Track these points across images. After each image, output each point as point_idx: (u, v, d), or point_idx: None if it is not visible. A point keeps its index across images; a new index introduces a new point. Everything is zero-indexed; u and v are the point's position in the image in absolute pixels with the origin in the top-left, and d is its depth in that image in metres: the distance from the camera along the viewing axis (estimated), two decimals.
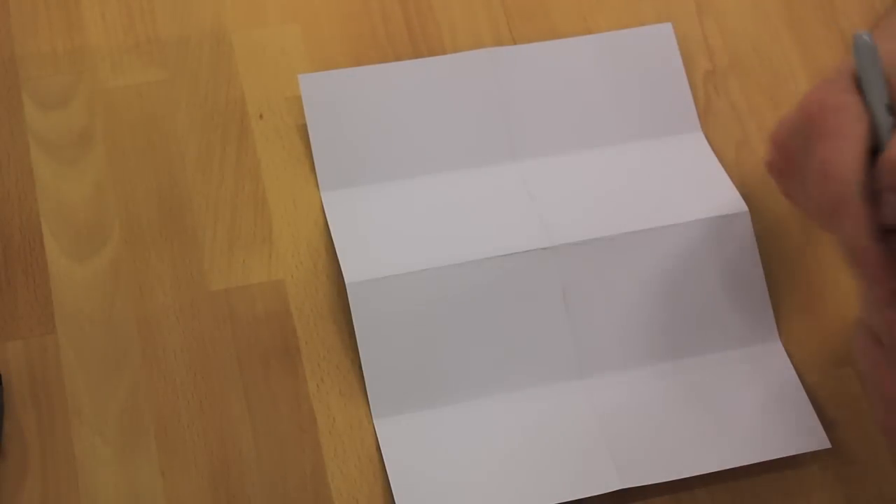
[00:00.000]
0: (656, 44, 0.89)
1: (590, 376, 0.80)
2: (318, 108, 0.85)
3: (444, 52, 0.89)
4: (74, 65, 0.87)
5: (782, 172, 0.71)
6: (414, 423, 0.78)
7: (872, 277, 0.64)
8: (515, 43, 0.90)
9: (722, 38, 0.91)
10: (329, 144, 0.85)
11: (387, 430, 0.78)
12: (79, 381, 0.79)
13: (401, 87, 0.86)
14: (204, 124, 0.86)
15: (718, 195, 0.84)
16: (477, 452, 0.78)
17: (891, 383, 0.65)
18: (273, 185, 0.85)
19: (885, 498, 0.78)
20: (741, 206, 0.84)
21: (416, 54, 0.89)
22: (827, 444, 0.78)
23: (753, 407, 0.80)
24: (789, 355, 0.82)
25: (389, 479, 0.77)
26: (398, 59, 0.89)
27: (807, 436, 0.79)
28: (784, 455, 0.78)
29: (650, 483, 0.77)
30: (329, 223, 0.83)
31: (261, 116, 0.87)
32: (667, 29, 0.89)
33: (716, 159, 0.86)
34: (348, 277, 0.80)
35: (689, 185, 0.84)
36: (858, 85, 0.66)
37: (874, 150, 0.65)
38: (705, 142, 0.87)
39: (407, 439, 0.78)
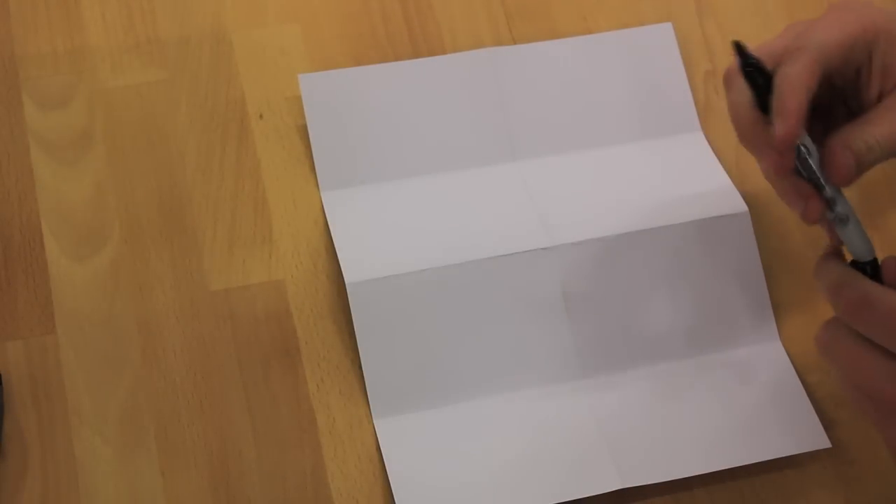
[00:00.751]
0: (656, 44, 0.89)
1: (590, 376, 0.80)
2: (318, 107, 0.85)
3: (444, 52, 0.89)
4: (74, 65, 0.87)
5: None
6: (414, 423, 0.78)
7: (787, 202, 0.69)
8: (515, 43, 0.90)
9: (722, 38, 0.91)
10: (329, 144, 0.85)
11: (387, 430, 0.78)
12: (79, 381, 0.79)
13: (401, 87, 0.86)
14: (204, 124, 0.86)
15: (718, 195, 0.84)
16: (477, 452, 0.78)
17: (867, 373, 0.65)
18: (273, 185, 0.85)
19: (885, 498, 0.78)
20: (741, 206, 0.84)
21: (416, 54, 0.89)
22: (827, 444, 0.78)
23: (753, 407, 0.80)
24: (789, 355, 0.82)
25: (389, 479, 0.77)
26: (398, 59, 0.89)
27: (807, 435, 0.79)
28: (784, 455, 0.78)
29: (650, 483, 0.77)
30: (329, 223, 0.83)
31: (261, 116, 0.87)
32: (667, 29, 0.89)
33: (716, 159, 0.86)
34: (348, 277, 0.80)
35: (688, 185, 0.84)
36: None
37: None
38: (705, 142, 0.87)
39: (407, 439, 0.78)
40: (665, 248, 0.82)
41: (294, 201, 0.85)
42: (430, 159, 0.85)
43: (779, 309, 0.83)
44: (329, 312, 0.81)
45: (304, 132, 0.86)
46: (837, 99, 0.71)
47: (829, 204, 0.68)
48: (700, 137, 0.87)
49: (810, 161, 0.67)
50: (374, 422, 0.78)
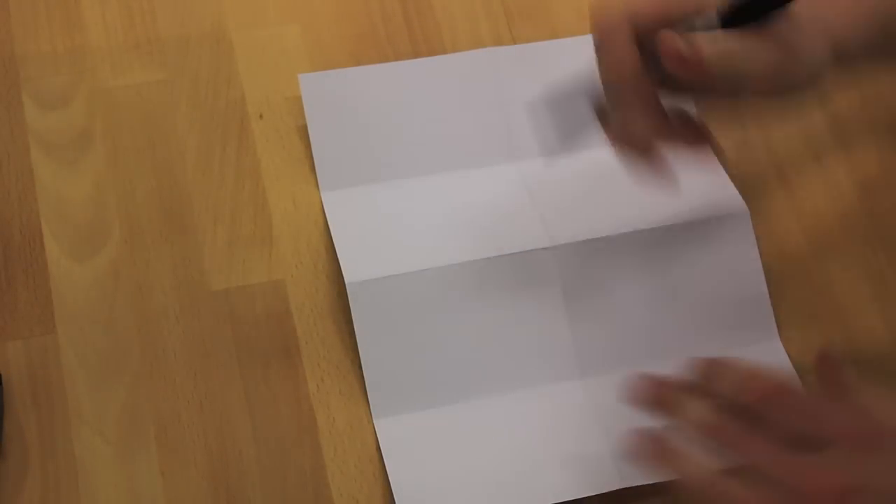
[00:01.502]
0: None
1: (590, 376, 0.80)
2: (317, 107, 0.85)
3: (444, 52, 0.89)
4: (74, 65, 0.87)
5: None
6: (414, 422, 0.78)
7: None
8: (515, 43, 0.90)
9: None
10: (329, 144, 0.85)
11: (387, 429, 0.78)
12: (79, 381, 0.79)
13: (401, 87, 0.86)
14: (204, 124, 0.86)
15: (718, 195, 0.84)
16: (477, 452, 0.78)
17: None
18: (273, 185, 0.85)
19: None
20: (741, 206, 0.84)
21: (416, 54, 0.89)
22: None
23: None
24: (789, 355, 0.82)
25: (389, 478, 0.77)
26: (398, 58, 0.89)
27: None
28: None
29: (650, 483, 0.77)
30: (329, 223, 0.83)
31: (261, 116, 0.87)
32: None
33: (715, 158, 0.86)
34: (348, 277, 0.80)
35: (688, 185, 0.84)
36: None
37: None
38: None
39: (407, 439, 0.78)
40: (665, 248, 0.82)
41: (294, 201, 0.85)
42: (429, 159, 0.85)
43: (779, 309, 0.83)
44: (329, 312, 0.81)
45: (304, 132, 0.86)
46: None
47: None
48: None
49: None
50: (374, 422, 0.78)
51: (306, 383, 0.79)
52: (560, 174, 0.85)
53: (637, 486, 0.77)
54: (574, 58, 0.87)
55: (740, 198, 0.84)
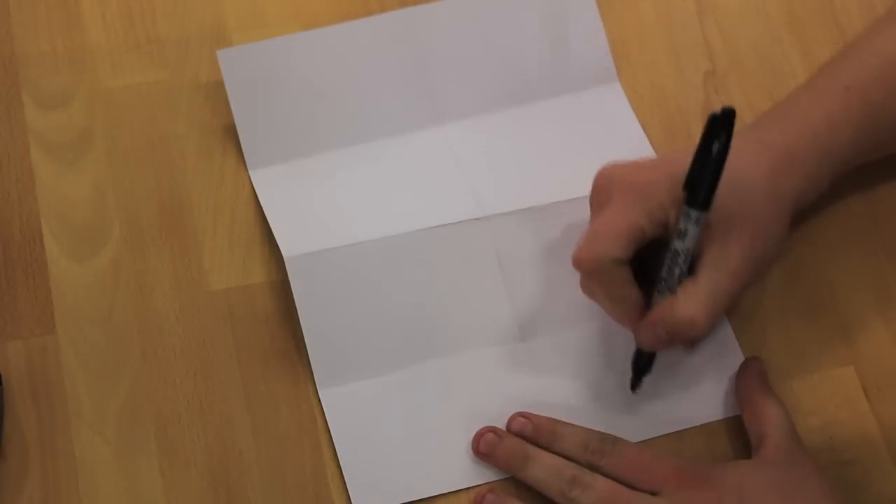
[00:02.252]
0: None
1: (531, 338, 0.81)
2: (239, 83, 0.85)
3: None
4: (74, 65, 0.87)
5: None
6: (358, 392, 0.79)
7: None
8: None
9: (722, 38, 0.91)
10: (253, 120, 0.85)
11: (332, 399, 0.79)
12: (79, 381, 0.79)
13: (322, 55, 0.86)
14: (204, 124, 0.86)
15: (635, 157, 0.85)
16: (422, 417, 0.79)
17: None
18: None
19: (885, 498, 0.78)
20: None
21: None
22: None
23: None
24: (790, 356, 0.82)
25: (336, 448, 0.77)
26: None
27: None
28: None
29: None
30: (260, 200, 0.83)
31: None
32: None
33: (632, 112, 0.87)
34: (285, 251, 0.80)
35: (609, 147, 0.83)
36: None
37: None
38: (622, 93, 0.88)
39: (352, 408, 0.79)
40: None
41: None
42: (356, 128, 0.85)
43: (779, 309, 0.83)
44: None
45: None
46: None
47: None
48: (617, 88, 0.88)
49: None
50: (319, 392, 0.79)
51: (306, 383, 0.79)
52: (484, 137, 0.86)
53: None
54: (493, 13, 0.87)
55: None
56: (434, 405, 0.79)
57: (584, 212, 0.80)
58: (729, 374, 0.80)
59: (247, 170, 0.85)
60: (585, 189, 0.80)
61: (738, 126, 0.82)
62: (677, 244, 0.74)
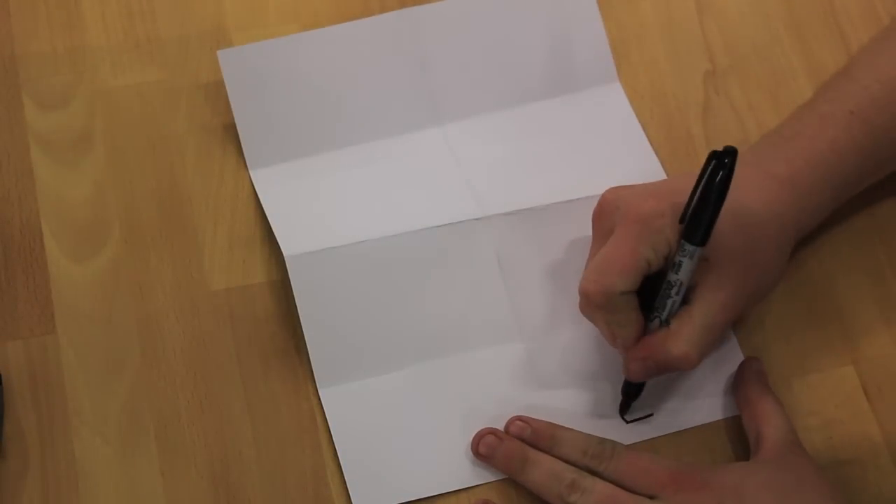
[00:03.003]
0: None
1: (527, 339, 0.80)
2: (239, 83, 0.85)
3: None
4: (74, 65, 0.87)
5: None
6: (358, 390, 0.79)
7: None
8: None
9: (722, 38, 0.91)
10: (253, 120, 0.85)
11: (332, 399, 0.79)
12: (79, 381, 0.79)
13: (322, 55, 0.86)
14: (204, 124, 0.86)
15: (636, 158, 0.85)
16: (421, 417, 0.79)
17: None
18: None
19: (885, 498, 0.78)
20: (659, 170, 0.85)
21: None
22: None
23: None
24: (790, 356, 0.82)
25: (335, 447, 0.77)
26: None
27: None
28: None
29: None
30: (260, 200, 0.83)
31: None
32: None
33: (632, 113, 0.88)
34: (286, 251, 0.80)
35: (609, 147, 0.83)
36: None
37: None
38: (622, 94, 0.88)
39: (352, 407, 0.79)
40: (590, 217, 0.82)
41: None
42: (356, 128, 0.86)
43: (778, 309, 0.83)
44: None
45: None
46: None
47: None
48: (617, 88, 0.88)
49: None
50: (319, 392, 0.79)
51: (306, 383, 0.79)
52: (484, 137, 0.86)
53: None
54: (492, 13, 0.87)
55: (657, 161, 0.86)
56: (434, 405, 0.79)
57: (584, 213, 0.80)
58: (729, 374, 0.80)
59: (247, 169, 0.85)
60: (585, 190, 0.80)
61: (740, 132, 0.82)
62: (672, 276, 0.74)
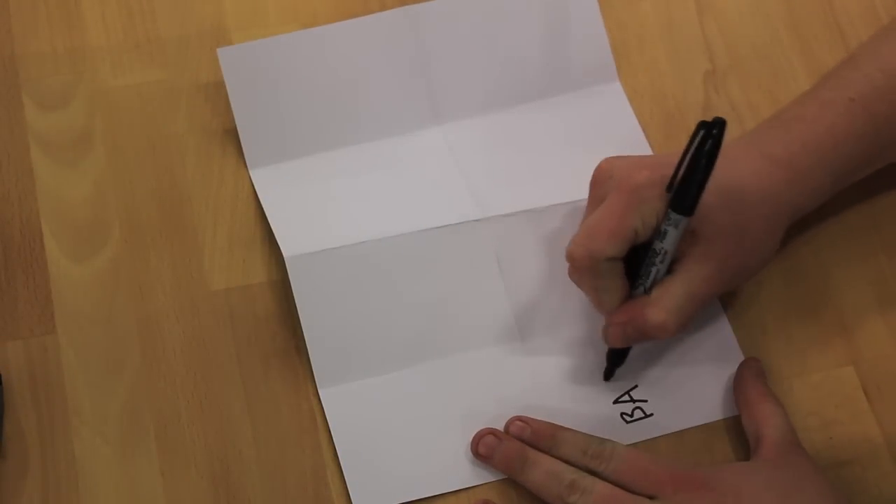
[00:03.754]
0: None
1: (530, 339, 0.80)
2: (239, 82, 0.85)
3: None
4: (74, 65, 0.87)
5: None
6: (358, 391, 0.79)
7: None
8: None
9: (722, 38, 0.91)
10: (253, 119, 0.85)
11: (332, 399, 0.79)
12: (79, 381, 0.79)
13: (321, 53, 0.86)
14: (204, 124, 0.86)
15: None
16: (422, 418, 0.79)
17: None
18: None
19: (885, 498, 0.78)
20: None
21: None
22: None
23: None
24: (790, 356, 0.82)
25: (335, 447, 0.77)
26: None
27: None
28: None
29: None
30: (260, 200, 0.83)
31: None
32: None
33: (631, 112, 0.87)
34: (286, 251, 0.80)
35: (609, 147, 0.84)
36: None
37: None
38: (622, 93, 0.88)
39: (352, 407, 0.79)
40: None
41: None
42: (356, 128, 0.86)
43: (778, 309, 0.83)
44: None
45: None
46: None
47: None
48: (617, 88, 0.88)
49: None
50: (319, 392, 0.79)
51: (306, 383, 0.80)
52: (483, 137, 0.86)
53: None
54: (490, 11, 0.87)
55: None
56: (434, 405, 0.79)
57: (584, 214, 0.80)
58: (728, 374, 0.80)
59: (247, 169, 0.85)
60: (584, 191, 0.80)
61: (739, 132, 0.82)
62: (657, 244, 0.74)
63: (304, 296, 0.80)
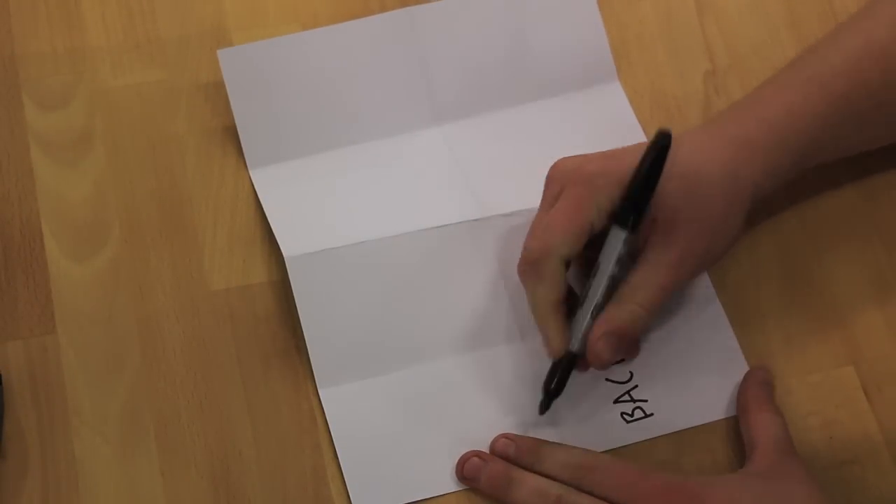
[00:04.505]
0: None
1: (530, 339, 0.81)
2: (239, 83, 0.85)
3: None
4: (74, 65, 0.87)
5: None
6: (358, 391, 0.79)
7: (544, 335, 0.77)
8: None
9: (722, 37, 0.91)
10: (253, 120, 0.85)
11: (332, 399, 0.79)
12: (79, 381, 0.79)
13: (321, 54, 0.86)
14: (204, 124, 0.86)
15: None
16: (422, 418, 0.79)
17: None
18: None
19: (885, 498, 0.78)
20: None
21: None
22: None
23: None
24: (790, 356, 0.82)
25: (335, 447, 0.77)
26: None
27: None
28: None
29: None
30: (260, 200, 0.83)
31: None
32: None
33: (632, 112, 0.88)
34: (286, 251, 0.80)
35: (609, 147, 0.84)
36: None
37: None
38: (622, 93, 0.88)
39: (352, 408, 0.79)
40: None
41: None
42: (356, 128, 0.86)
43: (778, 309, 0.83)
44: None
45: None
46: None
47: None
48: (617, 87, 0.88)
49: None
50: (319, 392, 0.79)
51: (306, 383, 0.80)
52: (483, 136, 0.86)
53: None
54: (491, 12, 0.87)
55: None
56: (434, 405, 0.79)
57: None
58: (728, 374, 0.80)
59: (247, 169, 0.85)
60: None
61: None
62: (602, 260, 0.76)
63: (304, 296, 0.80)
